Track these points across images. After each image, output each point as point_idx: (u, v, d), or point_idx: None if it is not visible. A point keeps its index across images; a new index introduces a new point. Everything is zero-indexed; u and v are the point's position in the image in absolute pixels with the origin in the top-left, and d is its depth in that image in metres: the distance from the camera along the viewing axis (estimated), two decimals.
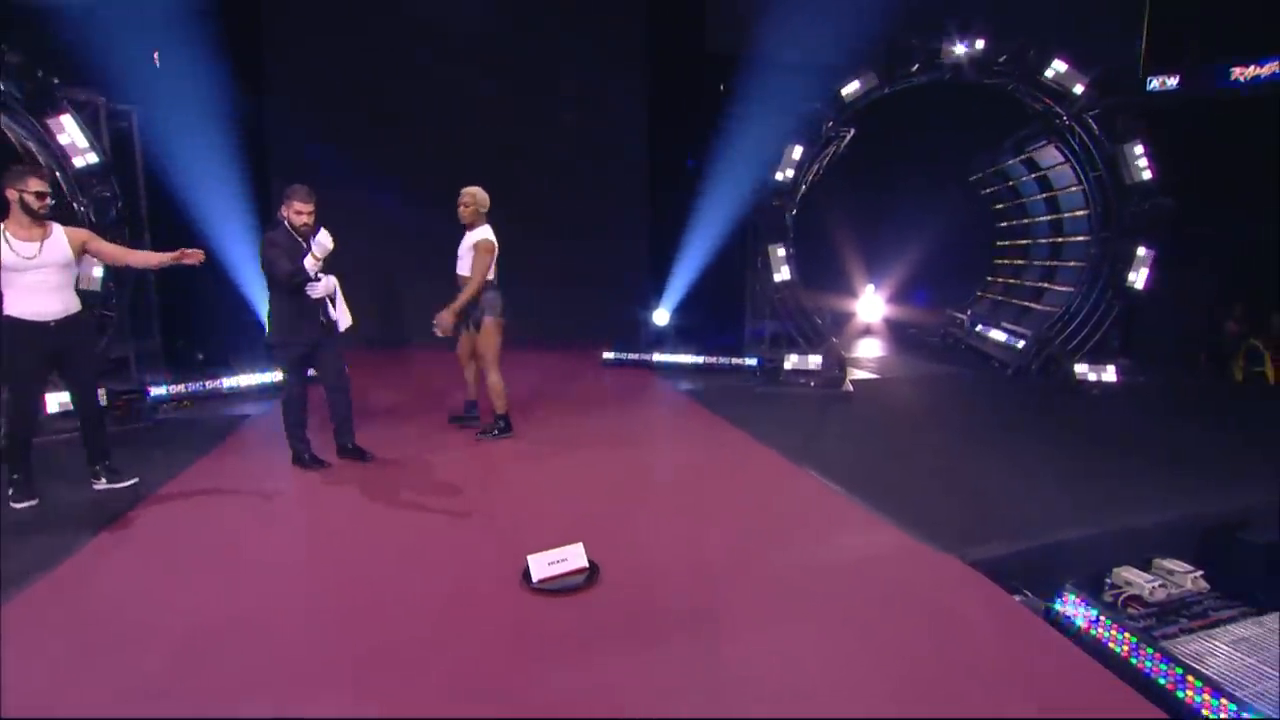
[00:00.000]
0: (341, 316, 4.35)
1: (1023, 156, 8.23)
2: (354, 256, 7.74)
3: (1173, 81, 12.19)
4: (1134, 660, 2.35)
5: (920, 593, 2.85)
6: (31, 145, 5.13)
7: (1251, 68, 11.94)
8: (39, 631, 2.50)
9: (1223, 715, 2.04)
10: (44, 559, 3.00)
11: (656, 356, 7.67)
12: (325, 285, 4.19)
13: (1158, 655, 2.32)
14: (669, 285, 8.09)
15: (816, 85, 6.93)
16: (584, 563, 2.95)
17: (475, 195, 4.74)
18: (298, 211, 4.07)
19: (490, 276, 4.69)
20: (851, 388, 6.76)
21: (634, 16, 8.92)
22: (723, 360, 7.41)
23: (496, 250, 4.69)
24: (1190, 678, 2.19)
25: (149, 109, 5.97)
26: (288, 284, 4.03)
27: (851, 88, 6.74)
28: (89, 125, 5.21)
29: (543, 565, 2.90)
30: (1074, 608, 2.63)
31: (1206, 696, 2.12)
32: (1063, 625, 2.61)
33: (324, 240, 4.02)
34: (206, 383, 6.40)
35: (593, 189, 8.98)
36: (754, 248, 7.10)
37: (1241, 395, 7.35)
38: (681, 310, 8.05)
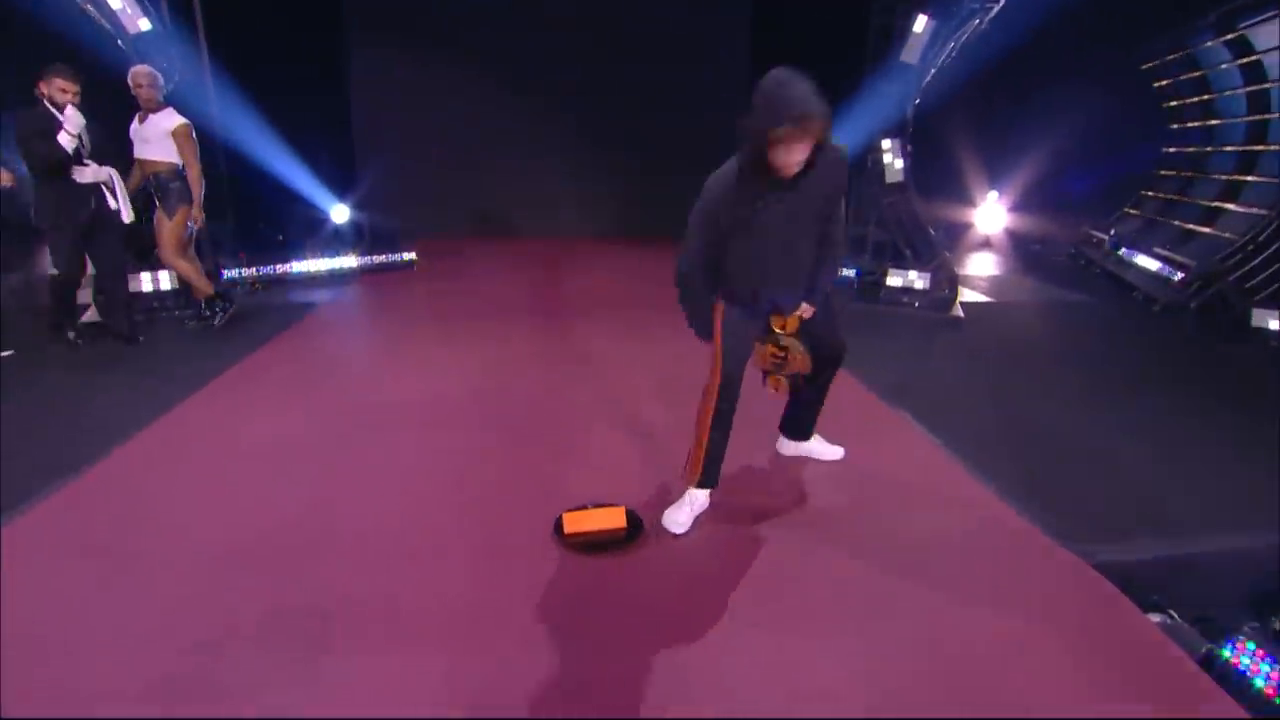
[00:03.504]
0: (124, 209, 4.26)
1: (1229, 36, 6.56)
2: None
3: None
4: None
5: (1028, 596, 2.29)
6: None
7: None
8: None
9: None
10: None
11: None
12: (95, 171, 4.11)
13: None
14: None
15: None
16: (623, 523, 2.56)
17: (152, 76, 4.33)
18: (61, 90, 3.90)
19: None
20: (962, 312, 5.91)
21: None
22: None
23: None
24: None
25: None
26: (46, 164, 3.93)
27: None
28: None
29: (578, 522, 2.54)
30: (1253, 660, 1.99)
31: None
32: (1232, 681, 1.97)
33: (73, 116, 3.91)
34: (277, 267, 6.34)
35: (689, 83, 8.32)
36: (864, 143, 6.14)
37: None
38: None
